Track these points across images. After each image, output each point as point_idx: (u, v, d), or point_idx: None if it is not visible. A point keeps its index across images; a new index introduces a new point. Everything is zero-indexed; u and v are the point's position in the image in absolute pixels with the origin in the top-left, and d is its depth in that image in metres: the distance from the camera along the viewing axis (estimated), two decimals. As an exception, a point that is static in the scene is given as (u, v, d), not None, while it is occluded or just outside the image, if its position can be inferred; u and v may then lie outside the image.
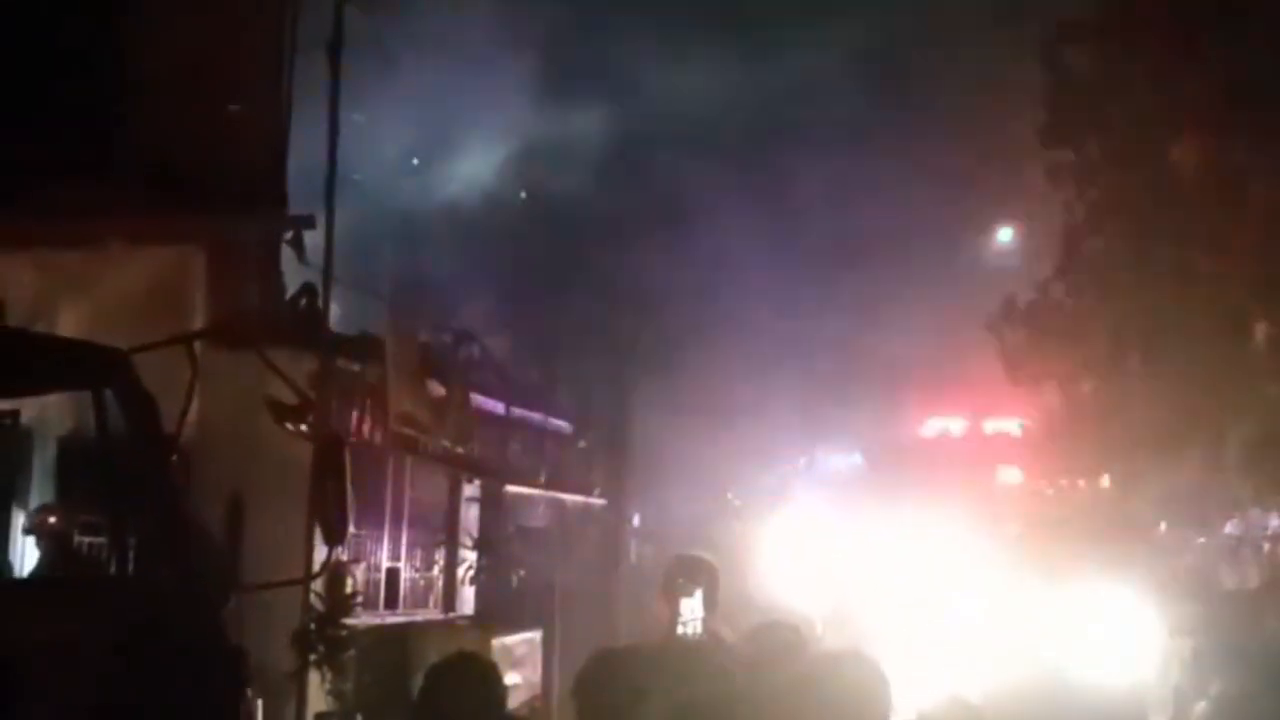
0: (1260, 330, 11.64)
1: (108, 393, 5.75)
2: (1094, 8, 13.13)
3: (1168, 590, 11.71)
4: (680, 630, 8.29)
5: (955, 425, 23.62)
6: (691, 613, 7.84)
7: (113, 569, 5.71)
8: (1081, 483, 14.80)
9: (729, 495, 23.63)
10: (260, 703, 8.22)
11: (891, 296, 21.73)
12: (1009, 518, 17.98)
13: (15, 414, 8.74)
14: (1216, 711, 5.86)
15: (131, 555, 5.66)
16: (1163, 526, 13.63)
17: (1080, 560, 13.48)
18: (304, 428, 8.66)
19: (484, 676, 5.05)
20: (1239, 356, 11.82)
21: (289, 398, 8.83)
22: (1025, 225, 20.66)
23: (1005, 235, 23.28)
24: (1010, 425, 17.75)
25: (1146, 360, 12.20)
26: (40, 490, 10.46)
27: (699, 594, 8.48)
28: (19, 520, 9.01)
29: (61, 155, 10.81)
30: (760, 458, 23.64)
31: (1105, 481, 14.57)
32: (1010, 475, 18.01)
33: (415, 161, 16.22)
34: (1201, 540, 16.84)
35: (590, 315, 17.75)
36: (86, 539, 9.06)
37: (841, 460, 26.11)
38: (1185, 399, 12.14)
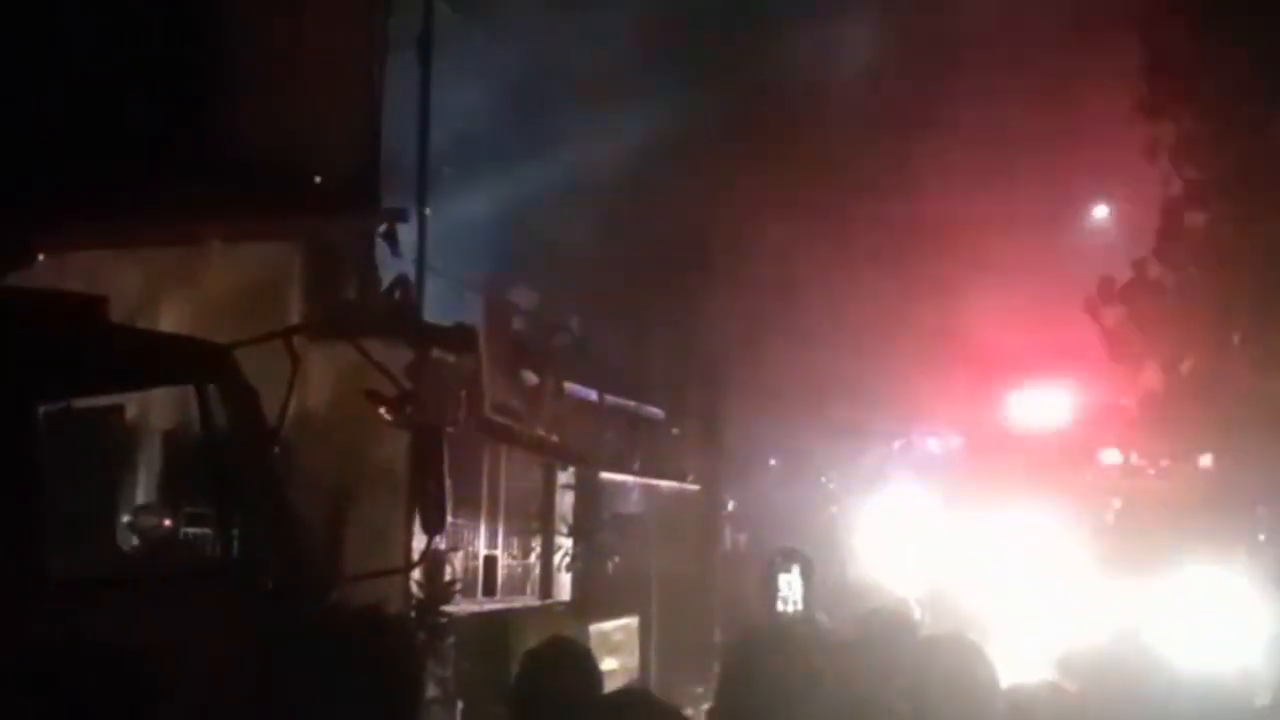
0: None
1: (211, 387, 5.86)
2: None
3: (1272, 572, 11.53)
4: (780, 608, 8.30)
5: (1056, 408, 23.33)
6: (790, 589, 7.85)
7: (219, 563, 5.80)
8: (1183, 463, 14.60)
9: (823, 479, 23.53)
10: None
11: (988, 276, 21.53)
12: (1110, 499, 17.77)
13: (120, 409, 8.92)
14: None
15: (237, 549, 5.75)
16: (1259, 509, 13.42)
17: (1182, 541, 13.31)
18: (402, 418, 8.75)
19: (579, 660, 5.10)
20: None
21: (387, 389, 8.94)
22: (1122, 202, 20.37)
23: (1101, 212, 22.96)
24: (1112, 407, 17.52)
25: (1248, 338, 12.00)
26: (145, 485, 10.67)
27: (796, 570, 8.47)
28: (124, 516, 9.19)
29: (160, 155, 11.00)
30: (856, 441, 23.51)
31: (1207, 461, 14.36)
32: (1111, 456, 17.77)
33: (505, 151, 16.30)
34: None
35: (683, 302, 17.75)
36: (191, 530, 9.22)
37: (938, 443, 25.90)
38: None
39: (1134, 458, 16.18)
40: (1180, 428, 13.81)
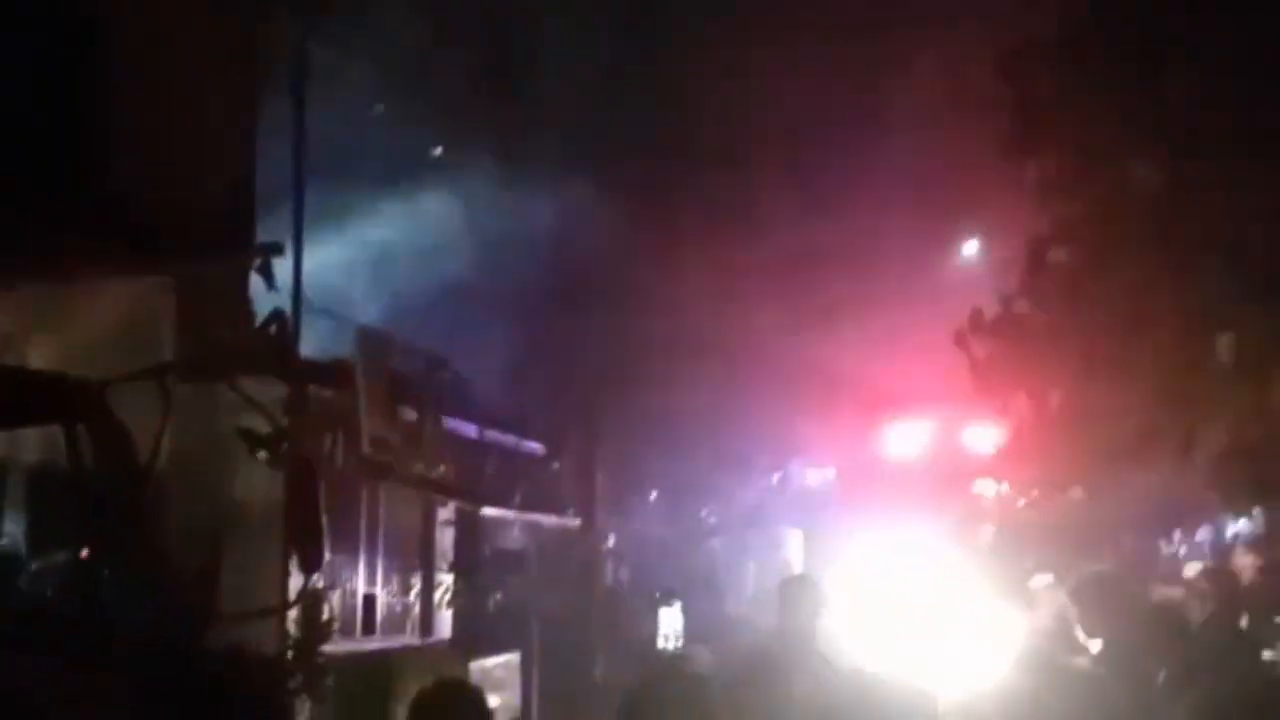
0: (1225, 342, 11.75)
1: (80, 426, 5.77)
2: (1051, 27, 13.27)
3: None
4: (661, 643, 8.32)
5: (928, 439, 23.69)
6: (670, 625, 7.89)
7: (90, 605, 5.71)
8: (1051, 494, 14.89)
9: (704, 513, 23.65)
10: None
11: (862, 310, 21.83)
12: (982, 529, 18.04)
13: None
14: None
15: (107, 590, 5.67)
16: (1126, 538, 13.76)
17: (1048, 570, 13.56)
18: (276, 456, 8.69)
19: (471, 702, 5.04)
20: (1205, 367, 11.94)
21: (261, 427, 8.87)
22: (992, 238, 20.77)
23: (971, 248, 23.39)
24: (982, 438, 17.82)
25: (1113, 373, 12.31)
26: (11, 524, 10.42)
27: (677, 605, 8.51)
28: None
29: (26, 194, 10.79)
30: (735, 475, 23.65)
31: (1077, 493, 14.66)
32: (983, 487, 18.07)
33: (383, 184, 16.26)
34: (1170, 548, 16.97)
35: (559, 337, 17.79)
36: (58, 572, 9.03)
37: (816, 475, 26.16)
38: (1153, 410, 12.25)
39: (1004, 488, 16.47)
40: (1048, 459, 14.09)
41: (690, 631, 16.09)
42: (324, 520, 6.48)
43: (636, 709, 5.09)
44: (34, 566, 8.56)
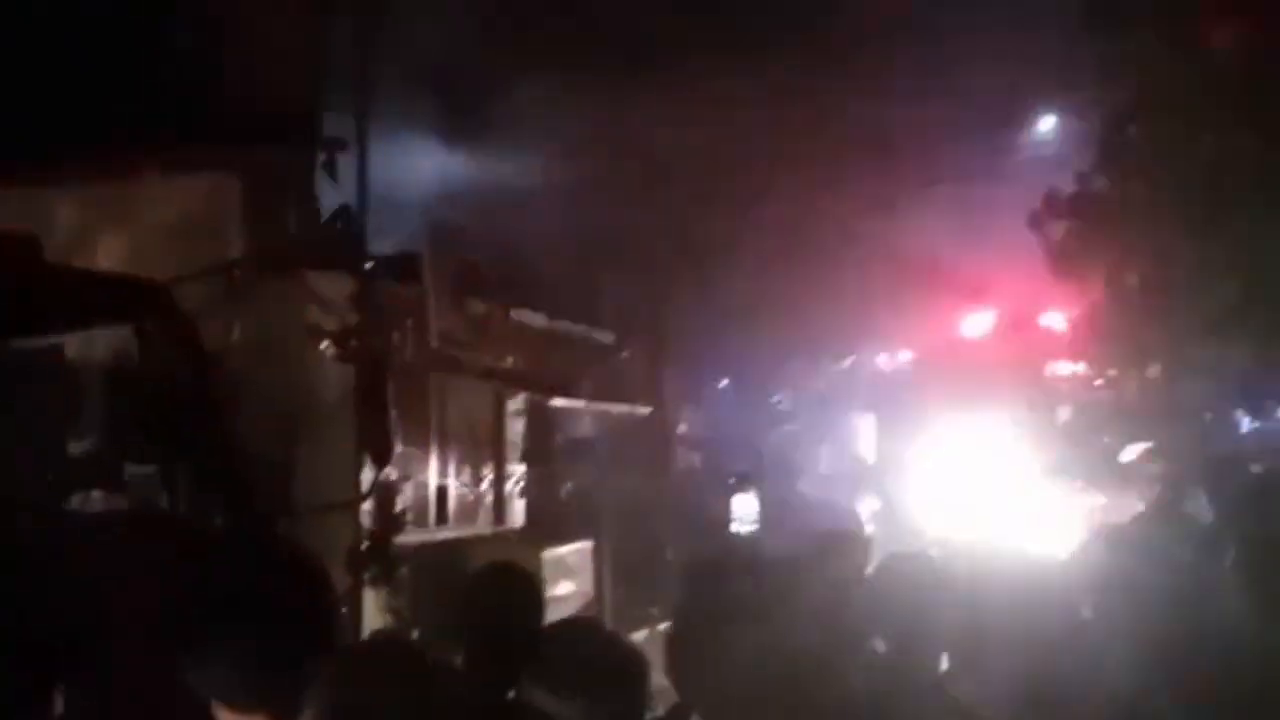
0: (1311, 215, 11.49)
1: (150, 325, 5.78)
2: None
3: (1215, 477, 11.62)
4: (735, 527, 8.32)
5: (1004, 321, 23.47)
6: (744, 510, 7.87)
7: (167, 504, 5.75)
8: (1128, 372, 14.71)
9: (775, 399, 23.60)
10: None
11: (932, 190, 21.52)
12: (1059, 409, 17.91)
13: (59, 349, 8.79)
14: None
15: (184, 489, 5.70)
16: (1208, 416, 13.55)
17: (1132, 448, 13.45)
18: (345, 352, 8.68)
19: (522, 586, 5.09)
20: (1286, 242, 11.69)
21: (329, 322, 8.85)
22: (1068, 115, 20.36)
23: (1047, 125, 22.95)
24: (1057, 318, 17.61)
25: (1193, 249, 12.06)
26: (90, 426, 10.53)
27: (751, 493, 8.51)
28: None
29: (91, 88, 10.77)
30: (806, 360, 23.56)
31: (1154, 371, 14.47)
32: (1059, 368, 17.90)
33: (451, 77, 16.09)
34: (1256, 425, 16.74)
35: (630, 223, 17.67)
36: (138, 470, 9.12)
37: (888, 359, 26.01)
38: (1234, 286, 12.02)
39: (1081, 369, 16.29)
40: (1125, 339, 13.90)
41: (765, 515, 16.13)
42: (392, 415, 6.48)
43: (689, 589, 5.08)
44: (114, 468, 8.68)
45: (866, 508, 18.85)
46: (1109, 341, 14.27)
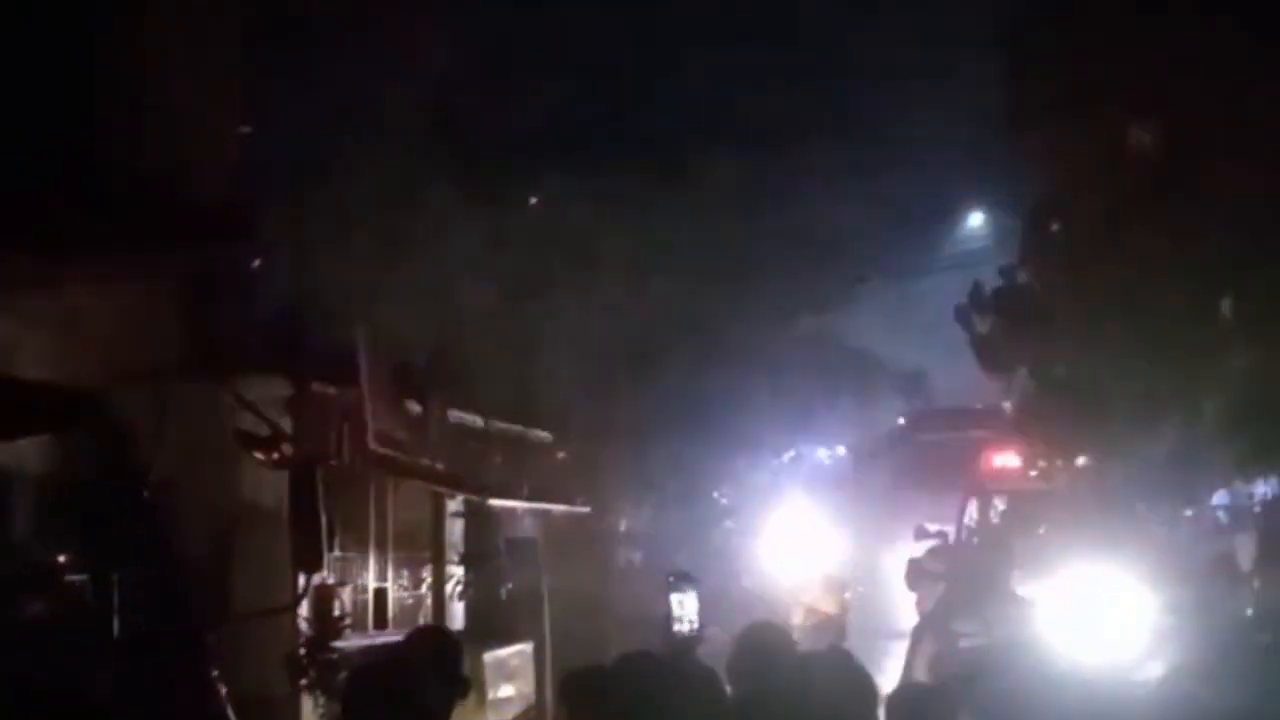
0: (1227, 305, 11.70)
1: (79, 433, 5.78)
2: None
3: (1154, 567, 11.77)
4: (675, 628, 8.40)
5: (935, 413, 23.68)
6: (684, 609, 7.93)
7: (97, 609, 5.71)
8: (1061, 463, 14.84)
9: (716, 494, 23.62)
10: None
11: (865, 286, 21.80)
12: (994, 499, 18.01)
13: (-11, 458, 8.72)
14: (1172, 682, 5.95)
15: (114, 595, 5.67)
16: (1139, 505, 13.71)
17: (1066, 540, 13.55)
18: (274, 457, 8.67)
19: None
20: (1208, 331, 11.89)
21: (259, 428, 8.86)
22: (997, 210, 20.74)
23: (976, 220, 23.38)
24: (989, 410, 17.77)
25: (1115, 340, 12.26)
26: (21, 532, 10.43)
27: (692, 592, 8.55)
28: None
29: (24, 192, 10.77)
30: (747, 456, 23.62)
31: (1084, 461, 14.62)
32: (993, 459, 18.04)
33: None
34: (1189, 513, 16.89)
35: (566, 324, 17.75)
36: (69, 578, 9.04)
37: (827, 453, 26.17)
38: (1158, 376, 12.21)
39: (1016, 460, 16.40)
40: (1053, 430, 14.04)
41: (705, 613, 16.05)
42: (323, 521, 6.47)
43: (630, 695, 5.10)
44: (43, 575, 8.60)
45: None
46: (1038, 433, 14.43)
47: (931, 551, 16.36)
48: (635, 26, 18.63)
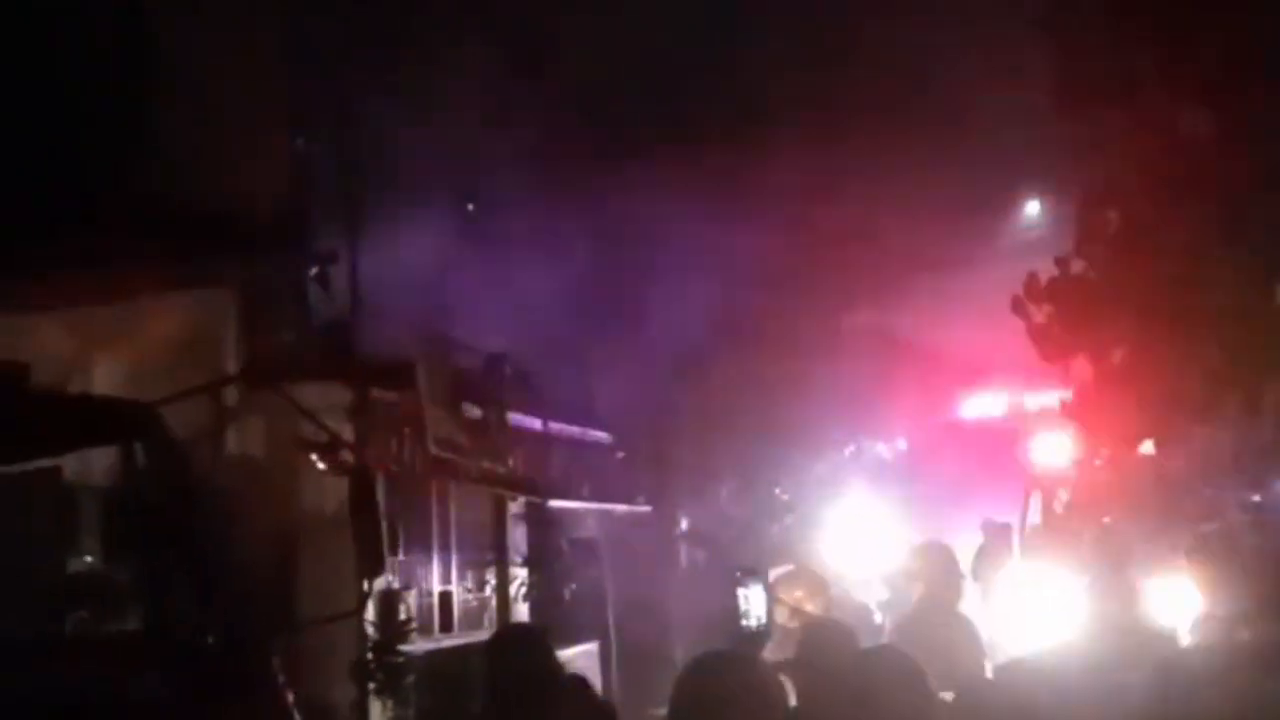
0: (1282, 290, 11.61)
1: (137, 446, 5.87)
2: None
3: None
4: (744, 623, 8.42)
5: (996, 404, 23.55)
6: (751, 604, 7.94)
7: (151, 621, 5.80)
8: (1121, 451, 14.72)
9: (777, 490, 23.58)
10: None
11: (926, 280, 21.69)
12: (1058, 490, 17.87)
13: (58, 470, 8.87)
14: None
15: (167, 606, 5.76)
16: (1206, 492, 13.55)
17: (1129, 527, 13.42)
18: (333, 463, 8.77)
19: (538, 640, 5.19)
20: (1264, 315, 11.78)
21: (319, 435, 8.95)
22: (1053, 198, 20.56)
23: (1033, 209, 23.18)
24: (1050, 399, 17.63)
25: (1172, 326, 12.17)
26: (86, 544, 10.58)
27: (759, 587, 8.55)
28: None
29: (82, 207, 10.93)
30: (806, 450, 23.59)
31: (1148, 448, 14.50)
32: (1054, 449, 17.89)
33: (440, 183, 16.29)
34: (1256, 498, 16.69)
35: (625, 324, 17.79)
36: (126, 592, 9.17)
37: (887, 447, 26.07)
38: (1215, 361, 12.11)
39: (1077, 449, 16.27)
40: (1115, 418, 13.94)
41: (771, 609, 16.05)
42: (384, 526, 6.55)
43: (688, 688, 5.08)
44: (112, 584, 8.72)
45: (875, 597, 18.79)
46: (1100, 421, 14.32)
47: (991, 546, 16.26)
48: (668, 10, 18.58)
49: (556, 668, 5.19)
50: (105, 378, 10.46)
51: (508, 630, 5.33)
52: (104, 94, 11.69)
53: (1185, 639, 6.43)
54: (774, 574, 8.26)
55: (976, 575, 18.35)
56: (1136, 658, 6.03)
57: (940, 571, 8.53)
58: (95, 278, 10.95)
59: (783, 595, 7.77)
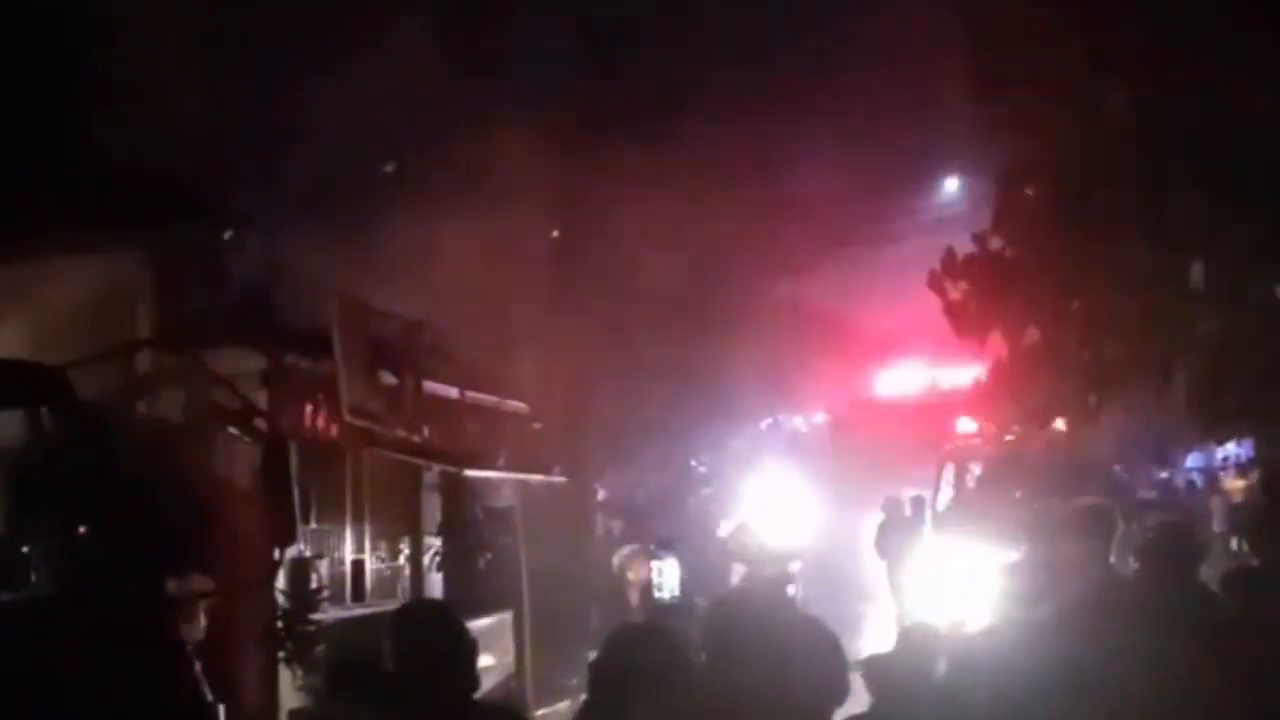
0: (1197, 270, 11.77)
1: (44, 410, 5.78)
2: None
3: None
4: (656, 595, 8.38)
5: (912, 379, 23.81)
6: (664, 576, 7.91)
7: (57, 589, 5.72)
8: (1036, 429, 14.93)
9: (694, 462, 23.69)
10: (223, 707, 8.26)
11: (845, 255, 21.84)
12: (971, 466, 18.10)
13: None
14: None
15: (74, 573, 5.68)
16: (1117, 468, 13.79)
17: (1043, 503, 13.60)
18: (247, 431, 8.68)
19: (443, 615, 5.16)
20: (1178, 296, 11.96)
21: (232, 401, 8.85)
22: (971, 176, 20.77)
23: (952, 186, 23.41)
24: (965, 376, 17.84)
25: (1087, 306, 12.33)
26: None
27: (673, 559, 8.51)
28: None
29: (-6, 169, 10.73)
30: (725, 423, 23.70)
31: (1060, 425, 14.71)
32: (968, 425, 18.13)
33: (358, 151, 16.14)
34: (1164, 475, 17.02)
35: (541, 294, 17.73)
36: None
37: (804, 421, 26.27)
38: (1128, 340, 12.29)
39: (990, 425, 16.51)
40: (1027, 396, 14.13)
41: (686, 580, 16.14)
42: (295, 494, 6.49)
43: (607, 660, 5.07)
44: (19, 550, 8.60)
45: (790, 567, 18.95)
46: (1013, 398, 14.50)
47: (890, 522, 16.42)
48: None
49: (463, 642, 5.15)
50: (10, 340, 10.26)
51: (411, 604, 5.30)
52: (15, 55, 11.46)
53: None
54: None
55: (881, 552, 18.61)
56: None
57: None
58: (6, 238, 10.77)
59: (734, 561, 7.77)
